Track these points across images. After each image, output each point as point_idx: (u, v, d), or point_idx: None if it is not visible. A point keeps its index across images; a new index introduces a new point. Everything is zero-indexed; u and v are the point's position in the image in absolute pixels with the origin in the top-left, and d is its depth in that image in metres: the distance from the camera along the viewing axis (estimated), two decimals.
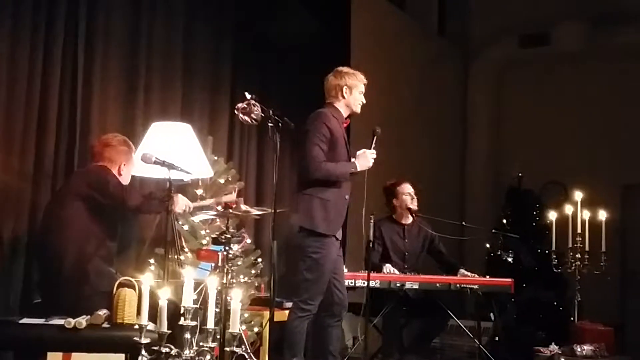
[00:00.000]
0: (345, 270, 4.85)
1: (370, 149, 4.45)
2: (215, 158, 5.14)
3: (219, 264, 3.86)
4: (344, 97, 4.45)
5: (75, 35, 4.77)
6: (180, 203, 4.13)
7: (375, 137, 4.50)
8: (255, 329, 5.02)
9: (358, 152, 4.44)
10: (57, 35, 4.65)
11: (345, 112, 4.49)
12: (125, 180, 4.19)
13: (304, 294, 4.30)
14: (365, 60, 7.31)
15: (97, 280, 3.85)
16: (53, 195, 4.40)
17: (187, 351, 3.28)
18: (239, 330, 3.40)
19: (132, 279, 3.75)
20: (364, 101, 4.53)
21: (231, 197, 4.43)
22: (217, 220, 4.76)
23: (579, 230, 5.75)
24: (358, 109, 4.51)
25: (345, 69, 4.54)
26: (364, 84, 4.51)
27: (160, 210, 4.09)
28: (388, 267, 5.51)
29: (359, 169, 4.40)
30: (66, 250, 3.86)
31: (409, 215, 5.80)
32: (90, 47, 4.87)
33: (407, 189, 5.76)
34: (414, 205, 5.76)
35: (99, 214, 3.98)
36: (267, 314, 4.52)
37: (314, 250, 4.28)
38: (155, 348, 3.21)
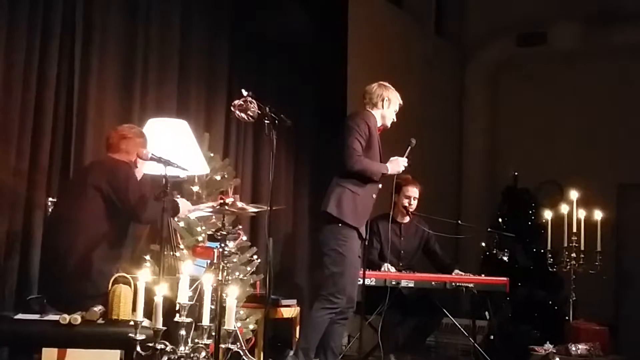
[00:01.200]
0: None
1: (403, 157, 4.70)
2: (212, 155, 5.13)
3: (215, 260, 3.85)
4: (382, 108, 4.67)
5: (72, 32, 4.77)
6: (183, 208, 4.12)
7: (409, 147, 4.77)
8: (251, 326, 5.03)
9: (392, 158, 4.66)
10: (54, 32, 4.65)
11: (379, 122, 4.69)
12: (140, 172, 4.15)
13: (332, 288, 4.40)
14: (362, 59, 7.32)
15: (99, 280, 3.80)
16: (67, 184, 4.37)
17: (182, 348, 3.29)
18: (234, 327, 3.40)
19: (128, 276, 3.74)
20: (395, 120, 4.76)
21: (229, 200, 4.43)
22: (213, 217, 4.76)
23: (574, 230, 5.75)
24: (389, 124, 4.75)
25: (388, 84, 4.76)
26: (400, 105, 4.75)
27: (168, 215, 4.06)
28: (386, 266, 5.52)
29: (389, 172, 4.62)
30: (75, 243, 3.81)
31: (406, 214, 5.81)
32: (87, 44, 4.87)
33: (410, 192, 5.76)
34: (410, 208, 5.78)
35: (114, 211, 3.92)
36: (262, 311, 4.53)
37: (338, 243, 4.42)
38: (151, 344, 3.21)
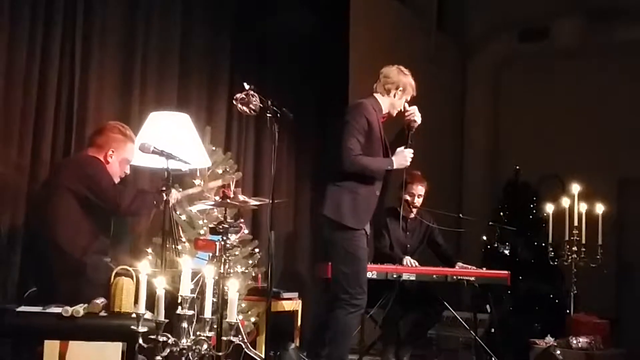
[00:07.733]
0: None
1: (406, 145, 4.40)
2: (213, 148, 5.14)
3: (217, 253, 3.86)
4: (394, 97, 4.42)
5: (73, 26, 4.77)
6: (172, 195, 4.11)
7: (410, 133, 4.43)
8: (252, 319, 5.04)
9: (398, 150, 4.38)
10: (55, 25, 4.64)
11: (385, 109, 4.44)
12: (112, 167, 4.08)
13: (350, 289, 4.21)
14: (364, 55, 7.31)
15: (94, 273, 3.81)
16: (44, 184, 4.25)
17: (184, 340, 3.30)
18: (236, 320, 3.42)
19: (130, 268, 3.75)
20: (403, 110, 4.47)
21: (217, 183, 4.45)
22: (215, 210, 4.77)
23: (575, 223, 5.76)
24: (394, 113, 4.48)
25: (409, 72, 4.48)
26: (412, 95, 4.48)
27: (151, 209, 4.07)
28: (408, 260, 5.55)
29: (395, 167, 4.37)
30: (60, 243, 3.80)
31: (411, 210, 5.82)
32: (88, 37, 4.87)
33: (415, 189, 5.74)
34: (414, 204, 5.79)
35: (91, 209, 3.91)
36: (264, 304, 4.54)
37: (347, 244, 4.24)
38: (153, 337, 3.22)
